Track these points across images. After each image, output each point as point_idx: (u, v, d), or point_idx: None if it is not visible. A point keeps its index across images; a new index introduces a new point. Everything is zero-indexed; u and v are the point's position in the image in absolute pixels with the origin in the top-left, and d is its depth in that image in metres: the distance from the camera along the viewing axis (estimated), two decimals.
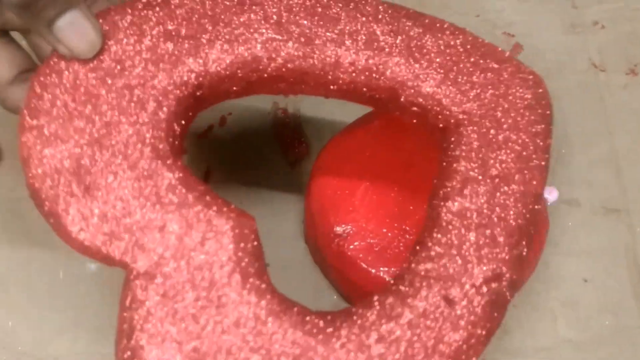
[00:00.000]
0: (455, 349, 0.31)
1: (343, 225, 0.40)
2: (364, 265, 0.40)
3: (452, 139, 0.35)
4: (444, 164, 0.35)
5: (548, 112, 0.36)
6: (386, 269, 0.39)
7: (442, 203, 0.34)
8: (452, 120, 0.35)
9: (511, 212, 0.33)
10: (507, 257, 0.32)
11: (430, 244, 0.33)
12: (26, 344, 0.41)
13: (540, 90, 0.36)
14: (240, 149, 0.47)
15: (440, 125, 0.36)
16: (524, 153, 0.34)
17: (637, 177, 0.47)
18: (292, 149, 0.47)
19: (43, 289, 0.42)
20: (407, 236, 0.40)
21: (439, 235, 0.33)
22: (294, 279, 0.43)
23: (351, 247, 0.40)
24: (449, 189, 0.34)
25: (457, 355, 0.31)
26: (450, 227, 0.33)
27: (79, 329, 0.42)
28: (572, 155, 0.48)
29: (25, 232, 0.44)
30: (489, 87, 0.35)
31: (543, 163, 0.35)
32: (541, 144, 0.35)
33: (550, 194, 0.46)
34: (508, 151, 0.34)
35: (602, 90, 0.50)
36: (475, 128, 0.35)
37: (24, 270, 0.43)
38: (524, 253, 0.33)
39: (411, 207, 0.41)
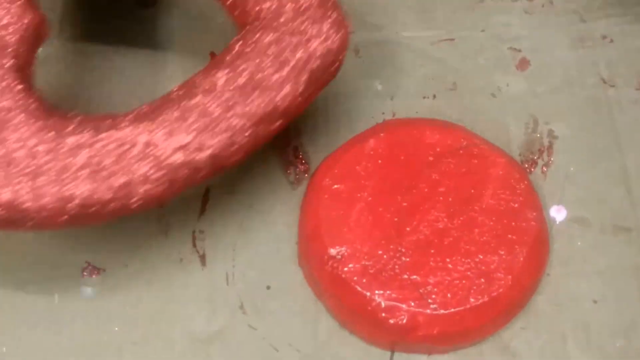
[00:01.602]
0: None
1: (337, 247, 0.40)
2: (359, 288, 0.39)
3: None
4: None
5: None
6: (381, 291, 0.38)
7: None
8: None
9: None
10: None
11: None
12: None
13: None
14: (239, 168, 0.46)
15: None
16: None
17: None
18: (292, 169, 0.46)
19: (37, 313, 0.42)
20: (403, 258, 0.39)
21: None
22: (291, 304, 0.42)
23: (345, 269, 0.39)
24: None
25: None
26: None
27: (73, 355, 0.41)
28: (582, 172, 0.47)
29: (20, 255, 0.43)
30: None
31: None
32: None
33: (559, 213, 0.45)
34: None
35: (611, 106, 0.48)
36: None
37: (18, 294, 0.43)
38: None
39: (408, 229, 0.40)
